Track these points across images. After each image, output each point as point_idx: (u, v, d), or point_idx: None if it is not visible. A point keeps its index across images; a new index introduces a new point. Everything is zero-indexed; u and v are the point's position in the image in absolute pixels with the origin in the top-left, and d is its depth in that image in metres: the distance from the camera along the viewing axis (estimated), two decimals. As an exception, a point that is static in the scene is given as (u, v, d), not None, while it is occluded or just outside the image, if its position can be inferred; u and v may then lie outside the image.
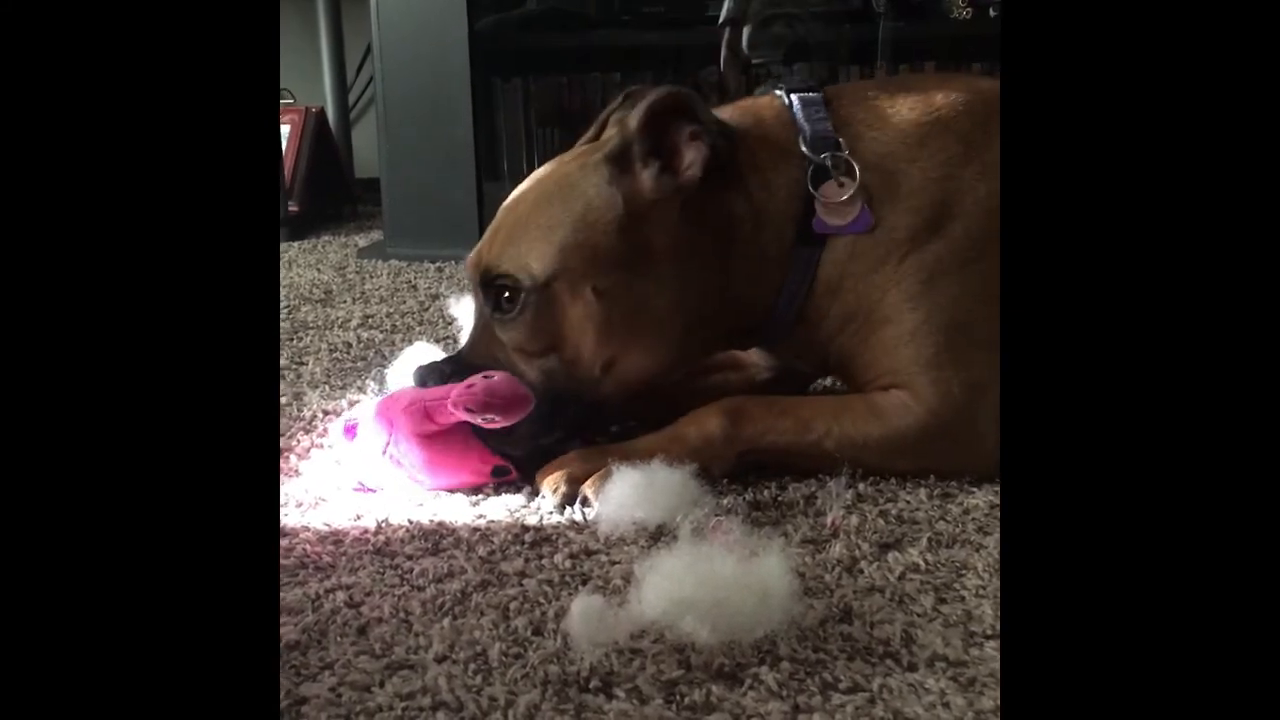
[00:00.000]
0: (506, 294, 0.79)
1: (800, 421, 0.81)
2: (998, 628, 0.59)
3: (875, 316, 0.81)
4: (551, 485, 0.78)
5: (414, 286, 1.58)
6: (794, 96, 0.84)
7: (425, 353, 1.01)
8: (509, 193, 0.85)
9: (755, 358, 0.98)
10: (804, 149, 0.81)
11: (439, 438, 0.78)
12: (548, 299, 0.78)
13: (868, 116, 0.84)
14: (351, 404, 1.02)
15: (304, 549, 0.71)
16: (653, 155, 0.79)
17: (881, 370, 0.82)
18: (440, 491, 0.80)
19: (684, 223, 0.79)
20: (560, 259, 0.78)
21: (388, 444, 0.79)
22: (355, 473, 0.82)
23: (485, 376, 0.77)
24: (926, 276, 0.80)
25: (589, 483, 0.77)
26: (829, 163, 0.81)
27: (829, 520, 0.74)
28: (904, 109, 0.84)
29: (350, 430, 0.83)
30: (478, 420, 0.76)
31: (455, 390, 0.76)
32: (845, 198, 0.80)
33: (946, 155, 0.81)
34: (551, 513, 0.76)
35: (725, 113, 0.84)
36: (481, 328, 0.83)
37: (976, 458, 0.79)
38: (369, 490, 0.81)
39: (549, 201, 0.80)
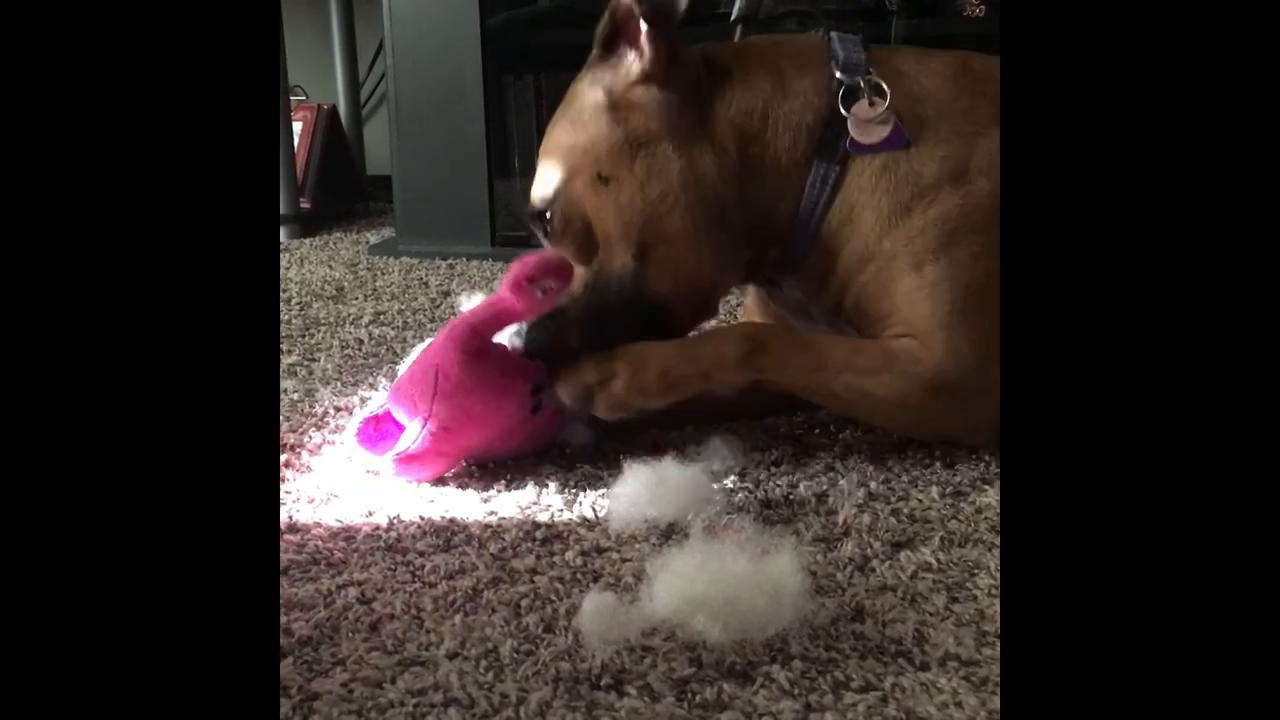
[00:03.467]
0: (544, 216, 0.85)
1: (815, 359, 0.82)
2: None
3: (895, 265, 0.82)
4: (570, 392, 0.81)
5: (425, 283, 1.58)
6: (833, 34, 0.88)
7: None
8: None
9: (758, 318, 1.00)
10: (836, 72, 0.84)
11: (484, 359, 0.80)
12: (569, 201, 0.84)
13: (903, 65, 0.86)
14: (363, 401, 1.02)
15: (316, 545, 0.71)
16: (629, 49, 0.84)
17: (897, 321, 0.83)
18: (450, 476, 0.80)
19: (681, 111, 0.83)
20: (568, 160, 0.85)
21: (435, 392, 0.79)
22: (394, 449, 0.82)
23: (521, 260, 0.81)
24: (951, 229, 0.81)
25: (601, 400, 0.80)
26: (861, 84, 0.83)
27: (841, 518, 0.74)
28: (939, 66, 0.86)
29: (364, 432, 0.83)
30: (536, 292, 0.79)
31: (509, 276, 0.80)
32: (878, 114, 0.82)
33: (977, 115, 0.83)
34: (562, 510, 0.76)
35: (750, 41, 0.89)
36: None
37: (975, 424, 0.82)
38: (407, 470, 0.81)
39: (559, 119, 0.88)
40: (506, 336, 0.84)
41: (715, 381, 0.81)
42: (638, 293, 0.83)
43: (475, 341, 0.80)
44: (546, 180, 0.85)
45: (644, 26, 0.82)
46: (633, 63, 0.84)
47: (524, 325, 0.83)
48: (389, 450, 0.82)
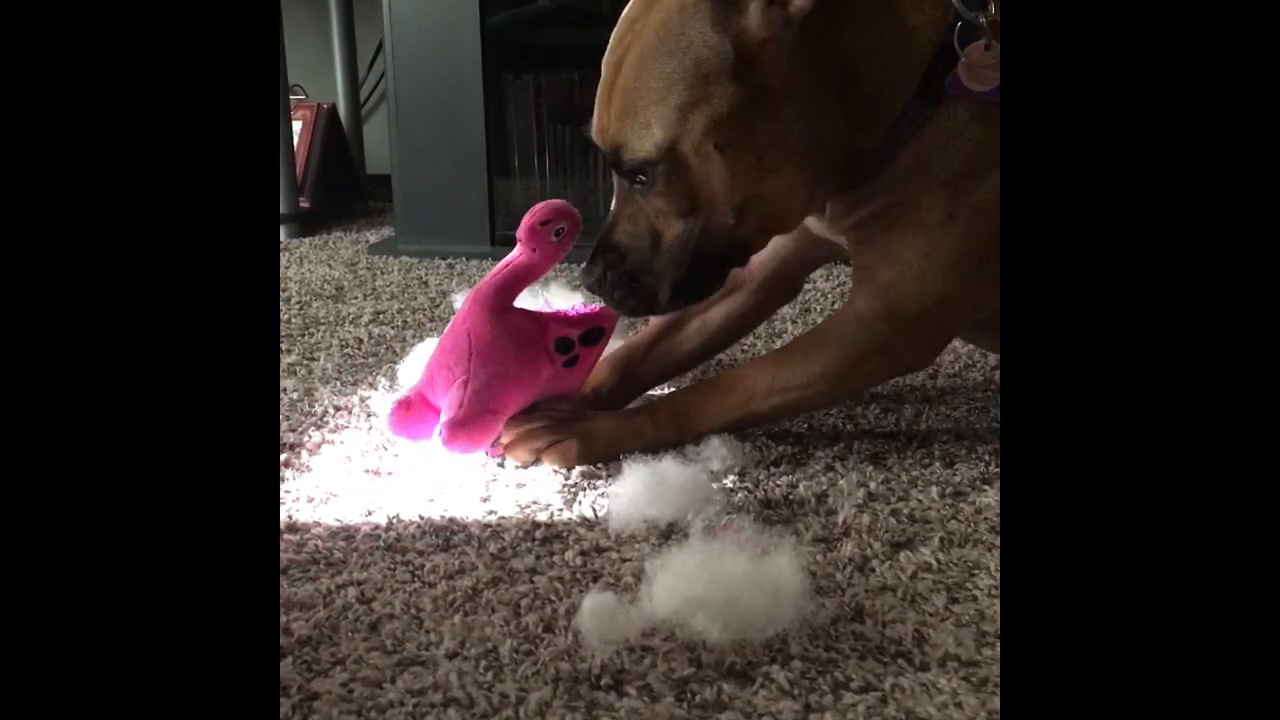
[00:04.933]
0: (640, 175, 0.78)
1: (741, 395, 0.86)
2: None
3: (935, 212, 0.79)
4: (521, 457, 0.84)
5: (425, 283, 1.58)
6: None
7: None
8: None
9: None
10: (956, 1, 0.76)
11: (510, 315, 0.83)
12: (675, 164, 0.76)
13: None
14: (363, 400, 1.02)
15: (315, 545, 0.71)
16: None
17: (892, 263, 0.81)
18: (448, 475, 0.80)
19: (801, 59, 0.75)
20: (680, 121, 0.75)
21: (470, 351, 0.81)
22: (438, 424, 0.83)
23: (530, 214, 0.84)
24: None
25: (550, 452, 0.83)
26: (982, 21, 0.75)
27: (840, 519, 0.74)
28: None
29: (397, 416, 0.84)
30: (550, 236, 0.81)
31: (521, 226, 0.82)
32: (993, 59, 0.74)
33: None
34: (562, 509, 0.76)
35: None
36: (623, 199, 0.82)
37: (919, 359, 0.87)
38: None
39: (656, 58, 0.75)
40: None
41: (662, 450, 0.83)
42: (730, 241, 0.80)
43: (499, 299, 0.83)
44: (646, 135, 0.76)
45: None
46: (770, 9, 0.73)
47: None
48: (427, 432, 0.84)
